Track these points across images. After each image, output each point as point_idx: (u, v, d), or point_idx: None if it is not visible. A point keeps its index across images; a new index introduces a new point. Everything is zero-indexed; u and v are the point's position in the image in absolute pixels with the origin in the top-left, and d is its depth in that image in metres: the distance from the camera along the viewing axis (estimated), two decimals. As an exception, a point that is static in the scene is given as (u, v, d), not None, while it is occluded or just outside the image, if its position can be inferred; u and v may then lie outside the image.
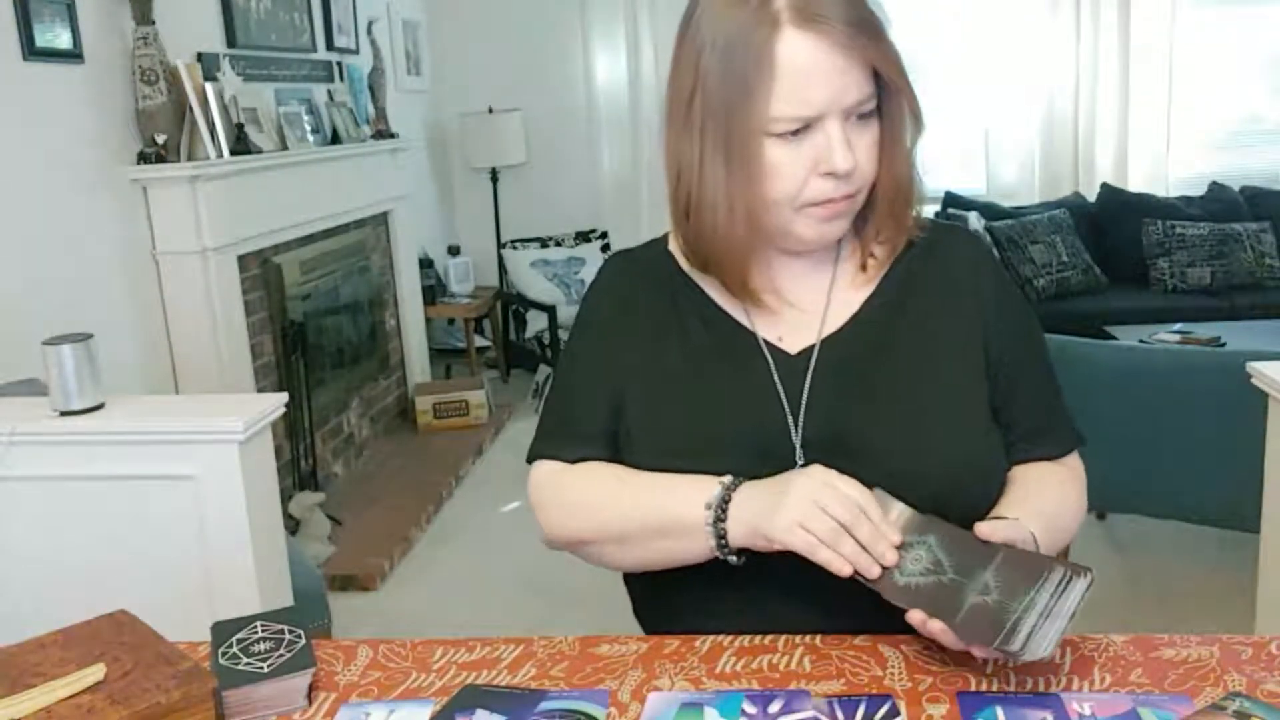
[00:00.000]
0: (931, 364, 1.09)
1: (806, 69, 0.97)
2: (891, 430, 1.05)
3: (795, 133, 0.99)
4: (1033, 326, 1.18)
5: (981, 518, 1.02)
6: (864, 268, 1.12)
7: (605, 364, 1.15)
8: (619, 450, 1.13)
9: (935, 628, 0.90)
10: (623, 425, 1.13)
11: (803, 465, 1.04)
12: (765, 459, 1.05)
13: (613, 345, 1.15)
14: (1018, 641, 0.85)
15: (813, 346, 1.10)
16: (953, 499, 1.02)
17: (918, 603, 0.91)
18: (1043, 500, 1.08)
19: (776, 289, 1.12)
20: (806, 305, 1.12)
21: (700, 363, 1.11)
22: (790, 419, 1.07)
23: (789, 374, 1.09)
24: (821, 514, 0.94)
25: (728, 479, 1.01)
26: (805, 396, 1.08)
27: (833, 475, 0.97)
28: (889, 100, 1.03)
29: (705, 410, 1.09)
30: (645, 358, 1.13)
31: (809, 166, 1.01)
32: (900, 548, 0.95)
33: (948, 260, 1.14)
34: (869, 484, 0.98)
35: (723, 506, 0.99)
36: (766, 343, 1.11)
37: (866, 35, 0.97)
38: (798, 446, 1.06)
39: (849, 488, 0.96)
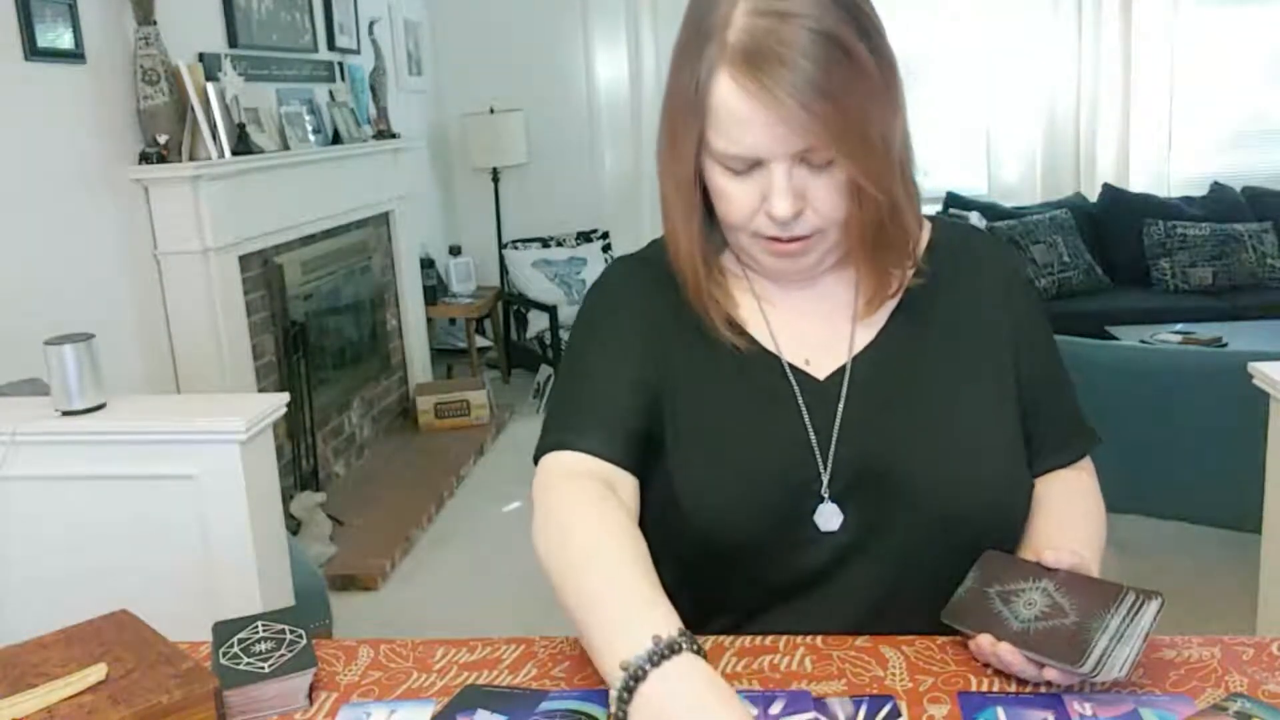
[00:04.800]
0: (964, 383, 1.05)
1: (739, 115, 0.91)
2: (931, 461, 1.01)
3: (742, 170, 0.95)
4: (1050, 332, 1.14)
5: (1015, 538, 1.02)
6: (869, 303, 1.05)
7: (622, 360, 1.06)
8: (631, 451, 1.02)
9: (1004, 650, 0.89)
10: (667, 430, 1.04)
11: (828, 502, 1.01)
12: (787, 494, 1.00)
13: (629, 348, 1.07)
14: (1089, 663, 0.86)
15: (843, 369, 1.04)
16: (993, 525, 1.00)
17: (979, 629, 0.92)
18: (1086, 523, 1.07)
19: (796, 308, 1.07)
20: (833, 324, 1.06)
21: (721, 386, 1.05)
22: (818, 452, 1.02)
23: (818, 402, 1.03)
24: None
25: (664, 639, 0.79)
26: (837, 428, 1.02)
27: None
28: None
29: (725, 439, 1.02)
30: (669, 368, 1.05)
31: (758, 199, 0.96)
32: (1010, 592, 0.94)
33: (975, 268, 1.10)
34: (922, 524, 0.99)
35: (630, 687, 0.78)
36: (793, 368, 1.05)
37: (821, 98, 0.88)
38: (825, 482, 1.01)
39: None
